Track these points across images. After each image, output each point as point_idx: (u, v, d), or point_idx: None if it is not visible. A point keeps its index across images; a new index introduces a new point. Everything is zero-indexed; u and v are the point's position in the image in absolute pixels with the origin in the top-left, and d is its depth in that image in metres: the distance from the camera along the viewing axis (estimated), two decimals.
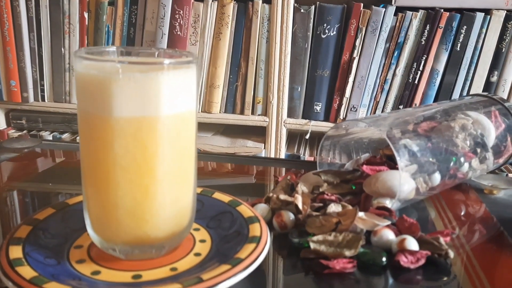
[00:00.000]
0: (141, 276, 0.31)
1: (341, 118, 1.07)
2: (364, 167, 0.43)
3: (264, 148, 1.11)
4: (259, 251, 0.32)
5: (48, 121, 1.18)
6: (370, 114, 1.07)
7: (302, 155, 1.11)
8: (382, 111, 1.06)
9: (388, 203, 0.41)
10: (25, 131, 1.19)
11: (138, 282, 0.30)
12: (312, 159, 1.11)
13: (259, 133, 1.14)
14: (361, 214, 0.39)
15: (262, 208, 0.41)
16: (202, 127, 1.16)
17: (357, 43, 1.02)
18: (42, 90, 1.16)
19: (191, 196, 0.34)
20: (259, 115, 1.10)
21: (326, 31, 1.03)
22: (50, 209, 0.37)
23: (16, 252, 0.31)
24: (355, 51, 1.02)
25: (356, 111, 1.06)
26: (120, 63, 0.28)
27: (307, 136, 1.10)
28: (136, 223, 0.31)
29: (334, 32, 1.03)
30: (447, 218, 0.45)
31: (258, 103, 1.10)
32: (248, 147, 1.11)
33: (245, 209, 0.38)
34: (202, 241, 0.36)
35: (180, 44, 1.05)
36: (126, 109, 0.29)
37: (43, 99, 1.15)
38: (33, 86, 1.16)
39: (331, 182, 0.44)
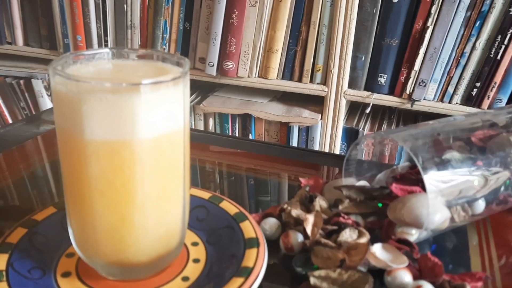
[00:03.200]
0: None
1: (408, 92, 0.97)
2: (393, 187, 0.38)
3: (321, 119, 1.06)
4: None
5: None
6: (442, 90, 0.96)
7: (361, 129, 1.05)
8: (456, 88, 0.95)
9: (414, 233, 0.36)
10: None
11: None
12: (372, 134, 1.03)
13: (316, 102, 1.08)
14: (377, 246, 0.34)
15: (271, 224, 0.38)
16: (258, 92, 1.12)
17: (432, 10, 0.90)
18: (106, 46, 1.17)
19: (179, 217, 0.31)
20: (317, 84, 1.04)
21: None
22: (52, 208, 0.37)
23: (0, 262, 0.31)
24: (430, 19, 0.91)
25: (425, 86, 0.96)
26: (91, 82, 0.25)
27: (368, 110, 1.03)
28: (116, 246, 0.29)
29: None
30: (488, 250, 0.39)
31: (318, 71, 1.03)
32: (304, 117, 1.05)
33: (248, 227, 0.35)
34: (196, 260, 0.34)
35: (239, 5, 1.00)
36: (99, 131, 0.26)
37: None
38: (98, 42, 1.18)
39: (354, 198, 0.39)
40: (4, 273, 0.30)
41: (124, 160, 0.27)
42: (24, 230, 0.34)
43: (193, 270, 0.32)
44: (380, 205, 0.39)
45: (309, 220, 0.36)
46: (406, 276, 0.32)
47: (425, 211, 0.35)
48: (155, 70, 0.30)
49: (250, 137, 1.12)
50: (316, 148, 1.08)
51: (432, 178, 0.35)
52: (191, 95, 1.17)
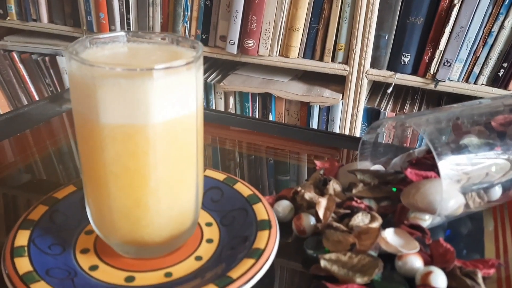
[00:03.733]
0: (133, 279, 0.31)
1: (432, 73, 0.95)
2: (408, 172, 0.38)
3: (342, 99, 1.05)
4: (255, 270, 0.30)
5: None
6: (467, 70, 0.94)
7: (383, 110, 1.03)
8: (482, 68, 0.92)
9: (427, 218, 0.36)
10: None
11: (127, 286, 0.30)
12: (393, 115, 1.02)
13: (338, 82, 1.07)
14: (388, 231, 0.34)
15: (284, 206, 0.38)
16: (279, 71, 1.12)
17: None
18: (128, 24, 1.18)
19: (193, 199, 0.32)
20: (339, 63, 1.03)
21: None
22: (72, 187, 0.38)
23: (22, 238, 0.32)
24: None
25: (450, 66, 0.94)
26: (105, 67, 0.26)
27: (390, 90, 1.01)
28: (131, 227, 0.30)
29: None
30: (503, 237, 0.38)
31: (340, 50, 1.02)
32: (325, 97, 1.05)
33: (261, 209, 0.36)
34: (209, 241, 0.34)
35: None
36: (112, 116, 0.27)
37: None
38: (120, 19, 1.18)
39: (367, 183, 0.39)
40: (26, 248, 0.31)
41: (137, 143, 0.27)
42: (45, 207, 0.35)
43: (206, 250, 0.33)
44: (394, 189, 0.39)
45: (322, 204, 0.36)
46: (416, 262, 0.32)
47: (438, 197, 0.35)
48: (169, 54, 0.31)
49: (270, 116, 1.12)
50: (337, 128, 1.07)
51: (447, 164, 0.35)
52: (211, 74, 1.17)
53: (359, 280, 0.31)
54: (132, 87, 0.26)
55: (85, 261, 0.32)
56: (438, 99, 1.07)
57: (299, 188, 0.39)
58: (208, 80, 1.14)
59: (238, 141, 0.55)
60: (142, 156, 0.28)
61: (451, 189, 0.35)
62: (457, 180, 0.36)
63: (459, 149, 0.37)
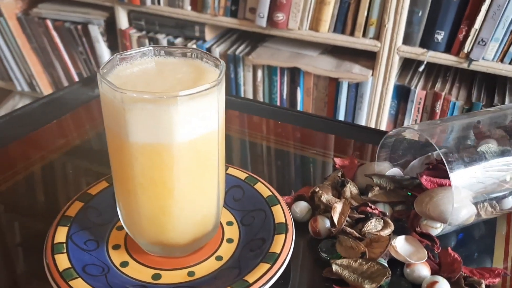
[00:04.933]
0: (160, 277, 0.34)
1: (465, 51, 0.93)
2: (423, 179, 0.39)
3: (372, 75, 1.04)
4: (270, 274, 0.32)
5: (164, 24, 1.22)
6: (502, 50, 0.91)
7: (413, 87, 1.02)
8: None
9: (438, 226, 0.37)
10: (143, 32, 1.25)
11: (155, 285, 0.33)
12: (424, 93, 1.01)
13: (368, 58, 1.05)
14: (399, 239, 0.36)
15: (301, 208, 0.40)
16: (308, 45, 1.11)
17: None
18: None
19: (214, 205, 0.34)
20: (370, 38, 1.01)
21: None
22: (104, 183, 0.41)
23: (61, 234, 0.35)
24: None
25: (485, 45, 0.91)
26: (133, 94, 0.27)
27: (422, 68, 0.99)
28: (157, 231, 0.33)
29: None
30: None
31: (371, 25, 1.00)
32: (354, 73, 1.04)
33: (279, 212, 0.38)
34: (229, 240, 0.37)
35: None
36: (140, 136, 0.29)
37: (158, 3, 1.18)
38: None
39: (384, 187, 0.41)
40: (64, 245, 0.34)
41: (163, 160, 0.30)
42: (81, 204, 0.38)
43: (226, 250, 0.36)
44: (409, 194, 0.41)
45: (337, 209, 0.38)
46: (423, 270, 0.34)
47: (450, 207, 0.36)
48: (194, 71, 0.32)
49: (298, 91, 1.12)
50: (365, 104, 1.07)
51: (459, 175, 0.36)
52: (240, 45, 1.18)
53: (367, 286, 0.33)
54: (158, 111, 0.28)
55: (117, 257, 0.35)
56: (471, 78, 1.05)
57: (317, 189, 0.41)
58: (237, 52, 1.14)
59: (260, 132, 0.56)
60: (167, 170, 0.30)
61: (463, 199, 0.37)
62: (469, 191, 0.37)
63: (474, 159, 0.38)
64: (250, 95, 1.19)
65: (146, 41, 1.24)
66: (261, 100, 1.18)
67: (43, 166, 0.49)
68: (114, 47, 1.33)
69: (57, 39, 1.34)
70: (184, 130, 0.29)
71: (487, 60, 0.93)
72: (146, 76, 0.31)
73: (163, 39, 1.23)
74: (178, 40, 1.22)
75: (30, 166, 0.49)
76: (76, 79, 1.39)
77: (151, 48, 0.33)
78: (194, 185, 0.32)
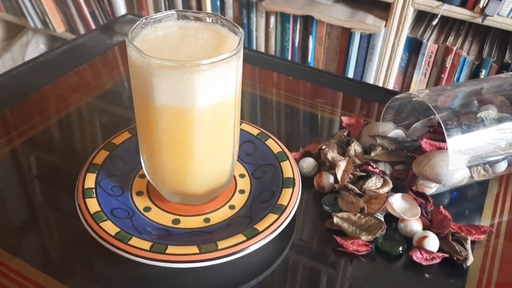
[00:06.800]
0: (179, 222, 0.38)
1: (481, 6, 0.92)
2: (423, 141, 0.41)
3: (385, 27, 1.03)
4: (277, 224, 0.36)
5: None
6: None
7: (425, 41, 1.02)
8: None
9: (433, 186, 0.40)
10: None
11: (174, 228, 0.37)
12: (436, 47, 1.01)
13: (382, 8, 1.05)
14: (396, 197, 0.39)
15: (308, 164, 0.43)
16: None
17: None
18: None
19: (229, 162, 0.38)
20: None
21: None
22: (127, 133, 0.44)
23: (90, 180, 0.39)
24: None
25: (501, 0, 0.90)
26: (160, 60, 0.30)
27: (435, 22, 0.99)
28: (178, 182, 0.37)
29: None
30: (502, 205, 0.43)
31: None
32: (367, 24, 1.04)
33: (287, 167, 0.41)
34: (242, 191, 0.41)
35: None
36: (165, 99, 0.32)
37: None
38: None
39: (386, 147, 0.44)
40: (94, 190, 0.38)
41: (185, 122, 0.33)
42: (106, 152, 0.42)
43: (238, 200, 0.40)
44: (409, 154, 0.44)
45: (341, 167, 0.41)
46: (416, 226, 0.38)
47: (445, 170, 0.39)
48: (214, 36, 0.34)
49: (310, 39, 1.12)
50: (376, 56, 1.07)
51: (456, 141, 0.38)
52: None
53: (364, 237, 0.37)
54: (182, 77, 0.30)
55: (140, 203, 0.39)
56: (484, 33, 1.04)
57: (323, 146, 0.44)
58: None
59: (271, 86, 0.59)
60: (188, 130, 0.33)
61: (458, 162, 0.40)
62: (464, 155, 0.40)
63: (472, 124, 0.40)
64: (262, 42, 1.20)
65: None
66: (273, 47, 1.19)
67: (78, 108, 0.52)
68: None
69: None
70: (205, 95, 0.32)
71: (501, 16, 0.92)
72: (171, 41, 0.34)
73: None
74: None
75: (63, 109, 0.52)
76: (89, 17, 1.39)
77: (174, 12, 0.35)
78: (212, 144, 0.35)
